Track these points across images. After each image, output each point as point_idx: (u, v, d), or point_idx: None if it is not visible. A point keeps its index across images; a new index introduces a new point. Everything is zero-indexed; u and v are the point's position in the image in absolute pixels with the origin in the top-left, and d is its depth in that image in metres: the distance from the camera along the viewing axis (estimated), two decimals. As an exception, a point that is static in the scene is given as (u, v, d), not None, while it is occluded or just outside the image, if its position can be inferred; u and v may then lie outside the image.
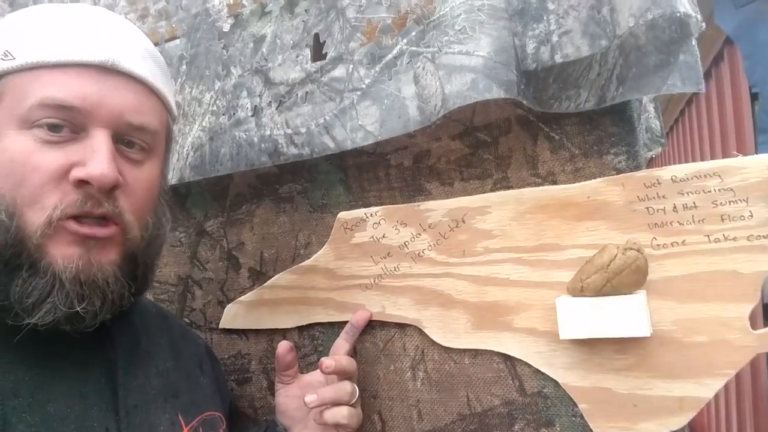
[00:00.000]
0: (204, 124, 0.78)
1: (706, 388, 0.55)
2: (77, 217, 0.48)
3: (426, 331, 0.68)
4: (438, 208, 0.67)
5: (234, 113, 0.75)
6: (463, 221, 0.66)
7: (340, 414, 0.64)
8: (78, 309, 0.48)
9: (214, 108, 0.77)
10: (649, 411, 0.57)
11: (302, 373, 0.73)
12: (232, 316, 0.80)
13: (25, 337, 0.48)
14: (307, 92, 0.71)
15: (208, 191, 0.83)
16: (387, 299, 0.70)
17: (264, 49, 0.74)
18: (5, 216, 0.47)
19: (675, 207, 0.56)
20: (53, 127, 0.48)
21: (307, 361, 0.76)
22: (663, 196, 0.56)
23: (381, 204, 0.72)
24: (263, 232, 0.80)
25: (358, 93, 0.67)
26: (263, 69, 0.74)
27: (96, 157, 0.48)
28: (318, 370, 0.66)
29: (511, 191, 0.64)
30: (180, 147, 0.79)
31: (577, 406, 0.61)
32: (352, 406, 0.65)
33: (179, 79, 0.80)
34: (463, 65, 0.58)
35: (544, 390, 0.63)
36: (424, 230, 0.68)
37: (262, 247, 0.80)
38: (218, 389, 0.69)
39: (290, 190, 0.78)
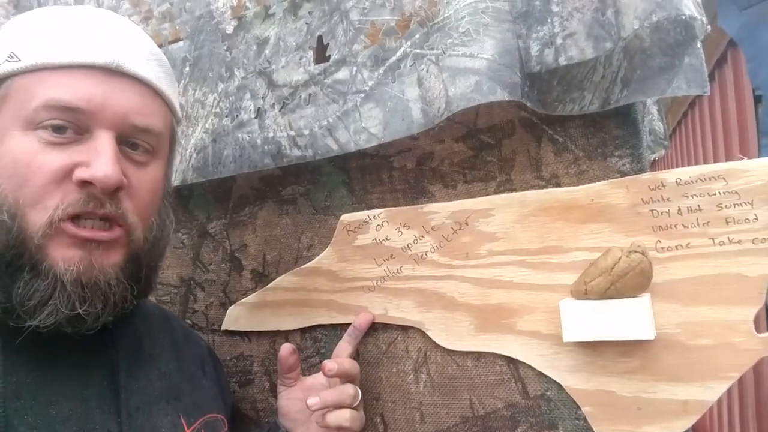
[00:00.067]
0: (207, 125, 0.78)
1: (711, 391, 0.55)
2: (78, 218, 0.48)
3: (429, 333, 0.68)
4: (441, 210, 0.67)
5: (237, 115, 0.75)
6: (467, 224, 0.65)
7: (343, 417, 0.63)
8: (79, 311, 0.48)
9: (218, 110, 0.77)
10: (653, 414, 0.57)
11: (304, 375, 0.73)
12: (235, 318, 0.80)
13: (27, 340, 0.48)
14: (310, 94, 0.70)
15: (210, 193, 0.83)
16: (390, 301, 0.70)
17: (267, 51, 0.74)
18: (7, 217, 0.47)
19: (679, 210, 0.56)
20: (58, 129, 0.48)
21: (310, 363, 0.76)
22: (667, 199, 0.56)
23: (384, 206, 0.72)
24: (266, 234, 0.80)
25: (362, 95, 0.67)
26: (266, 71, 0.74)
27: (100, 159, 0.48)
28: (320, 373, 0.66)
29: (514, 194, 0.64)
30: (183, 149, 0.79)
31: (581, 409, 0.60)
32: (354, 408, 0.65)
33: (182, 81, 0.80)
34: (467, 67, 0.58)
35: (547, 393, 0.63)
36: (427, 232, 0.68)
37: (264, 249, 0.80)
38: (220, 391, 0.69)
39: (293, 192, 0.78)
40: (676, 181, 0.56)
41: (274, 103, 0.73)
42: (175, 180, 0.77)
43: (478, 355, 0.66)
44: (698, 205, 0.55)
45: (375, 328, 0.72)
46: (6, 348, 0.49)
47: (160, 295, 0.86)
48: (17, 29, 0.52)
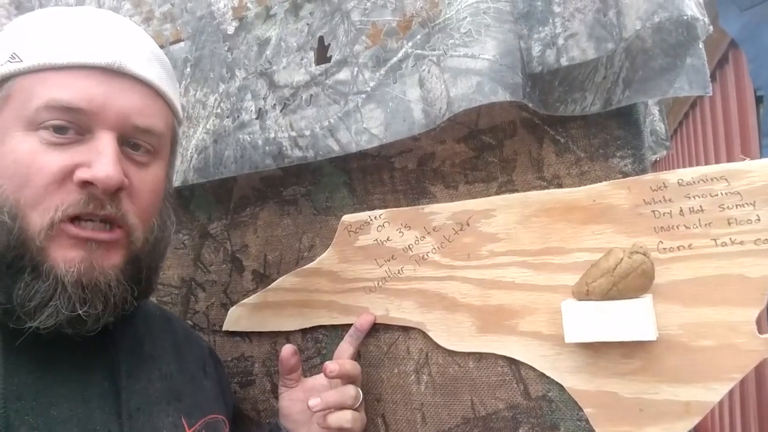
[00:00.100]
0: (208, 126, 0.78)
1: (713, 393, 0.55)
2: (78, 219, 0.48)
3: (430, 334, 0.68)
4: (442, 211, 0.67)
5: (238, 116, 0.75)
6: (468, 224, 0.65)
7: (344, 418, 0.63)
8: (80, 312, 0.48)
9: (219, 110, 0.77)
10: (654, 415, 0.57)
11: (306, 376, 0.72)
12: (236, 319, 0.80)
13: (27, 341, 0.48)
14: (311, 95, 0.70)
15: (212, 194, 0.83)
16: (391, 302, 0.70)
17: (268, 52, 0.74)
18: (8, 218, 0.47)
19: (681, 210, 0.56)
20: (59, 129, 0.48)
21: (311, 364, 0.76)
22: (669, 200, 0.56)
23: (385, 207, 0.72)
24: (267, 235, 0.80)
25: (363, 96, 0.67)
26: (268, 72, 0.74)
27: (101, 159, 0.48)
28: (322, 374, 0.66)
29: (516, 194, 0.64)
30: (184, 149, 0.79)
31: (582, 410, 0.60)
32: (355, 410, 0.65)
33: (183, 82, 0.80)
34: (469, 68, 0.58)
35: (548, 394, 0.63)
36: (428, 233, 0.68)
37: (265, 249, 0.80)
38: (221, 392, 0.69)
39: (294, 192, 0.78)
40: (678, 182, 0.56)
41: (275, 104, 0.73)
42: (176, 181, 0.77)
43: (480, 356, 0.66)
44: (700, 206, 0.55)
45: (376, 328, 0.72)
46: (7, 349, 0.49)
47: (161, 295, 0.86)
48: (19, 30, 0.52)
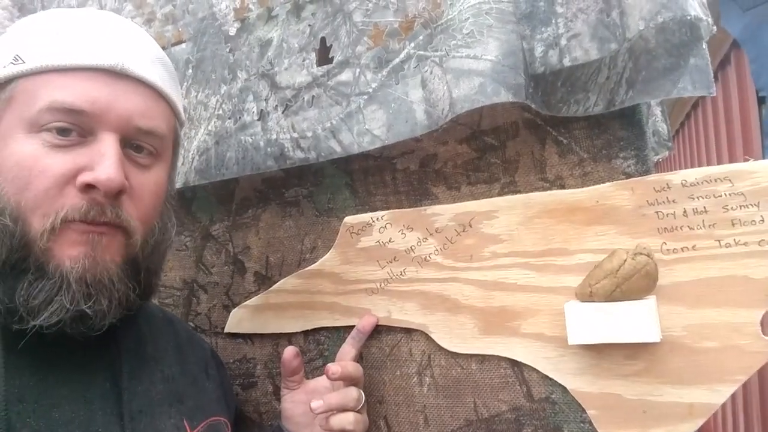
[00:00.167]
0: (210, 128, 0.78)
1: (717, 395, 0.54)
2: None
3: (433, 336, 0.68)
4: (445, 212, 0.67)
5: (240, 117, 0.75)
6: (470, 226, 0.65)
7: (346, 420, 0.63)
8: (84, 308, 0.47)
9: (220, 112, 0.77)
10: (658, 417, 0.56)
11: (308, 377, 0.72)
12: (238, 321, 0.80)
13: (29, 342, 0.47)
14: (313, 96, 0.70)
15: (213, 195, 0.83)
16: (393, 304, 0.70)
17: (270, 53, 0.74)
18: (10, 220, 0.47)
19: (685, 211, 0.55)
20: (62, 131, 0.48)
21: (313, 366, 0.76)
22: (673, 201, 0.56)
23: (387, 208, 0.71)
24: (269, 237, 0.80)
25: (365, 97, 0.67)
26: (269, 73, 0.74)
27: (103, 162, 0.48)
28: (324, 376, 0.66)
29: (518, 195, 0.63)
30: (185, 151, 0.79)
31: (586, 412, 0.60)
32: (358, 412, 0.65)
33: (185, 83, 0.80)
34: (471, 69, 0.58)
35: (552, 396, 0.62)
36: (430, 234, 0.67)
37: (267, 251, 0.80)
38: (224, 394, 0.69)
39: (296, 194, 0.78)
40: (682, 183, 0.55)
41: (277, 105, 0.73)
42: (178, 182, 0.76)
43: (483, 358, 0.66)
44: (704, 207, 0.55)
45: (378, 330, 0.71)
46: (8, 350, 0.48)
47: (162, 297, 0.86)
48: (21, 32, 0.52)
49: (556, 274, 0.61)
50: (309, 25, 0.71)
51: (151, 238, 0.55)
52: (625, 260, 0.53)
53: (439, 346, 0.68)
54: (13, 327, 0.47)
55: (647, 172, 0.60)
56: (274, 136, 0.72)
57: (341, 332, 0.74)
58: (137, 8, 0.85)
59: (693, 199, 0.55)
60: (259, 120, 0.74)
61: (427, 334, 0.68)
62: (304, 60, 0.71)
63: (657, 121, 0.97)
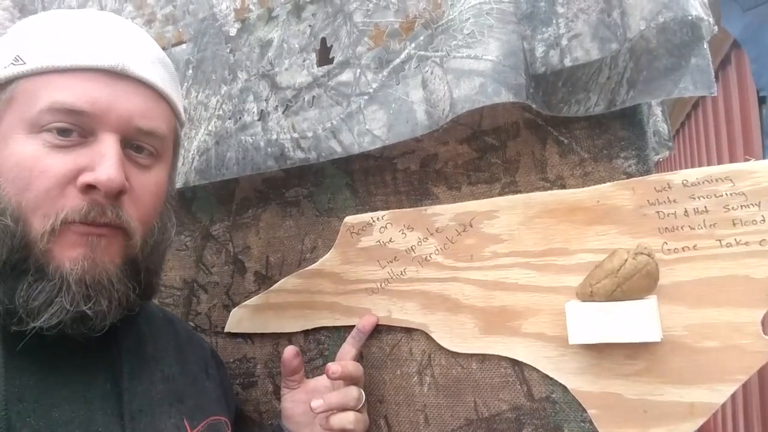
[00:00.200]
0: (210, 128, 0.78)
1: (718, 394, 0.54)
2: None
3: (433, 335, 0.68)
4: (445, 212, 0.67)
5: (240, 117, 0.75)
6: (471, 225, 0.65)
7: (347, 419, 0.63)
8: (85, 309, 0.47)
9: (220, 112, 0.77)
10: (659, 417, 0.56)
11: (308, 377, 0.72)
12: (238, 320, 0.80)
13: (30, 343, 0.47)
14: (313, 96, 0.70)
15: (214, 195, 0.83)
16: (393, 304, 0.70)
17: (271, 54, 0.74)
18: (11, 221, 0.47)
19: (686, 211, 0.55)
20: (62, 132, 0.48)
21: (313, 365, 0.76)
22: (674, 201, 0.56)
23: (388, 208, 0.71)
24: (269, 236, 0.80)
25: (366, 97, 0.67)
26: (270, 73, 0.74)
27: (104, 162, 0.48)
28: (324, 375, 0.66)
29: (519, 195, 0.63)
30: (186, 151, 0.79)
31: (586, 412, 0.60)
32: (358, 411, 0.65)
33: (185, 84, 0.80)
34: (472, 69, 0.58)
35: (552, 395, 0.62)
36: (431, 234, 0.67)
37: (268, 251, 0.80)
38: (224, 394, 0.69)
39: (296, 194, 0.78)
40: (683, 183, 0.55)
41: (277, 106, 0.73)
42: (178, 182, 0.76)
43: (483, 358, 0.66)
44: (705, 207, 0.55)
45: (379, 330, 0.71)
46: (8, 350, 0.48)
47: (163, 297, 0.86)
48: (22, 32, 0.52)
49: (557, 273, 0.61)
50: (309, 26, 0.71)
51: (150, 238, 0.55)
52: (626, 260, 0.53)
53: (439, 345, 0.68)
54: (12, 328, 0.47)
55: (648, 172, 0.60)
56: (274, 137, 0.72)
57: (341, 332, 0.74)
58: (137, 9, 0.85)
59: (694, 198, 0.55)
60: (259, 120, 0.74)
61: (427, 334, 0.68)
62: (304, 60, 0.71)
63: (657, 121, 0.97)
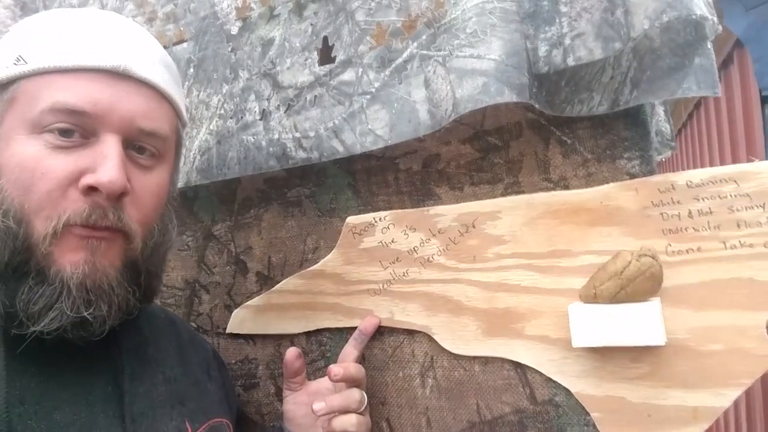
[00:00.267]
0: (211, 127, 0.77)
1: (722, 398, 0.54)
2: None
3: (435, 337, 0.67)
4: (448, 212, 0.66)
5: (242, 117, 0.75)
6: (474, 226, 0.65)
7: (349, 422, 0.63)
8: (85, 314, 0.47)
9: (222, 111, 0.77)
10: (663, 421, 0.56)
11: (310, 379, 0.72)
12: (240, 321, 0.80)
13: (31, 346, 0.47)
14: (315, 96, 0.70)
15: (215, 195, 0.83)
16: (396, 305, 0.69)
17: (272, 53, 0.74)
18: (13, 222, 0.47)
19: (690, 213, 0.55)
20: (64, 132, 0.48)
21: (315, 367, 0.75)
22: (678, 202, 0.55)
23: (390, 208, 0.71)
24: (271, 237, 0.79)
25: (368, 97, 0.66)
26: (271, 72, 0.73)
27: (106, 163, 0.48)
28: (326, 377, 0.65)
29: (522, 196, 0.63)
30: (187, 150, 0.78)
31: (589, 415, 0.60)
32: (360, 413, 0.65)
33: (187, 83, 0.79)
34: (475, 69, 0.58)
35: (555, 398, 0.62)
36: (433, 235, 0.67)
37: (269, 251, 0.79)
38: (225, 395, 0.69)
39: (298, 194, 0.77)
40: (687, 184, 0.55)
41: (279, 105, 0.72)
42: (179, 182, 0.76)
43: (486, 360, 0.65)
44: (709, 208, 0.54)
45: (381, 331, 0.71)
46: (10, 353, 0.48)
47: (164, 297, 0.86)
48: (24, 32, 0.52)
49: (560, 275, 0.61)
50: (311, 25, 0.71)
51: (150, 240, 0.54)
52: (630, 262, 0.53)
53: (441, 347, 0.67)
54: (12, 332, 0.47)
55: (651, 173, 0.59)
56: (276, 136, 0.72)
57: (344, 333, 0.73)
58: (138, 7, 0.85)
59: (698, 200, 0.55)
60: (261, 119, 0.73)
61: (429, 336, 0.68)
62: (306, 59, 0.71)
63: (660, 121, 0.97)
